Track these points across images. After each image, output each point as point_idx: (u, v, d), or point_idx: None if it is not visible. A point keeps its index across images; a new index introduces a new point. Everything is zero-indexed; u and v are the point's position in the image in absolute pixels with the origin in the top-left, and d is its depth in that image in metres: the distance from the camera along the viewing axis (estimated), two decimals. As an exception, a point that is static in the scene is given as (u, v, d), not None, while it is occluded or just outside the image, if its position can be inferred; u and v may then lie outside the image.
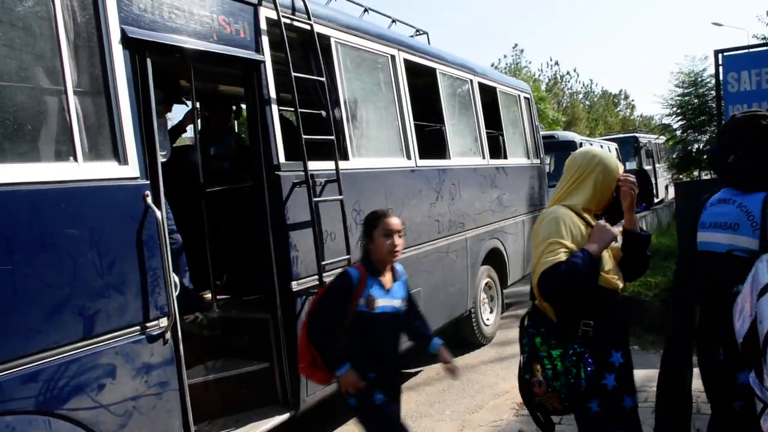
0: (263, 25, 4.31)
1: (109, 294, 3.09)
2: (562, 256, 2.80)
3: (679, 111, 15.13)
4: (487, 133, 7.66)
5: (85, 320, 2.98)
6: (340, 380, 3.41)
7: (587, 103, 48.45)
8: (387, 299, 3.50)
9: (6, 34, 2.90)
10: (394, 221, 3.55)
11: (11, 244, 2.69)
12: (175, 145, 5.50)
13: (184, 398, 3.54)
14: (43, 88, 3.07)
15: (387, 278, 3.58)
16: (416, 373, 6.77)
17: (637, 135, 23.43)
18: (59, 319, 2.87)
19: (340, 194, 4.65)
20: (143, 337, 3.28)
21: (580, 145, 14.56)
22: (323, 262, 4.45)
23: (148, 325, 3.31)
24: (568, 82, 44.82)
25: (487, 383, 6.34)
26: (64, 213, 2.92)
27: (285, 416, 4.33)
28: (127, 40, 3.34)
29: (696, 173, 16.24)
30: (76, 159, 3.05)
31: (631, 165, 21.02)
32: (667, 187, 23.43)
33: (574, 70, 62.57)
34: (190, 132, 5.74)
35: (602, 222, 2.97)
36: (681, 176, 16.43)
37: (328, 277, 4.48)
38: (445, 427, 5.29)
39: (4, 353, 2.65)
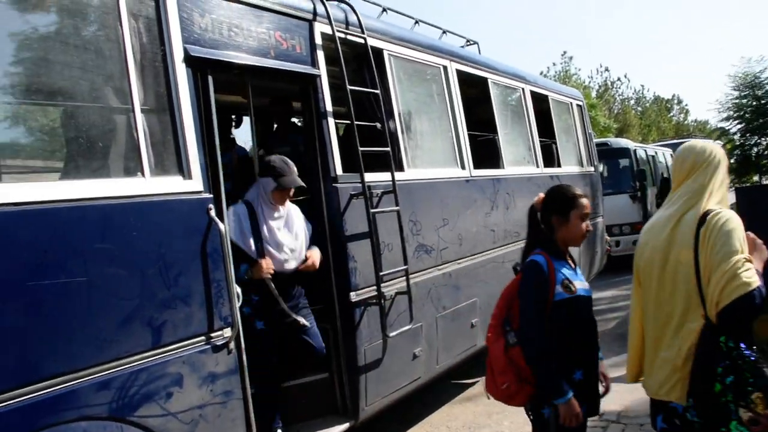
0: (318, 40, 4.39)
1: (175, 305, 3.18)
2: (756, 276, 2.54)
3: (736, 114, 14.70)
4: (540, 141, 7.62)
5: (154, 330, 3.07)
6: (561, 410, 2.96)
7: (639, 109, 47.52)
8: (580, 281, 3.15)
9: (79, 57, 3.04)
10: (588, 202, 3.24)
11: (85, 256, 2.80)
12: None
13: (248, 407, 3.60)
14: (112, 107, 3.19)
15: (569, 260, 3.24)
16: (473, 383, 6.74)
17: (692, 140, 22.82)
18: (130, 329, 2.96)
19: (397, 205, 4.69)
20: (208, 346, 3.36)
21: (634, 152, 14.29)
22: (381, 273, 4.49)
23: (212, 335, 3.39)
24: (619, 88, 44.08)
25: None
26: (133, 226, 3.02)
27: (345, 426, 4.36)
28: (189, 59, 3.44)
29: (756, 178, 15.75)
30: (143, 174, 3.16)
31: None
32: (725, 193, 22.70)
33: (625, 76, 61.36)
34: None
35: (752, 234, 2.76)
36: (740, 181, 15.96)
37: (386, 288, 4.54)
38: (504, 437, 5.26)
39: (80, 362, 2.75)
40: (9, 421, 2.49)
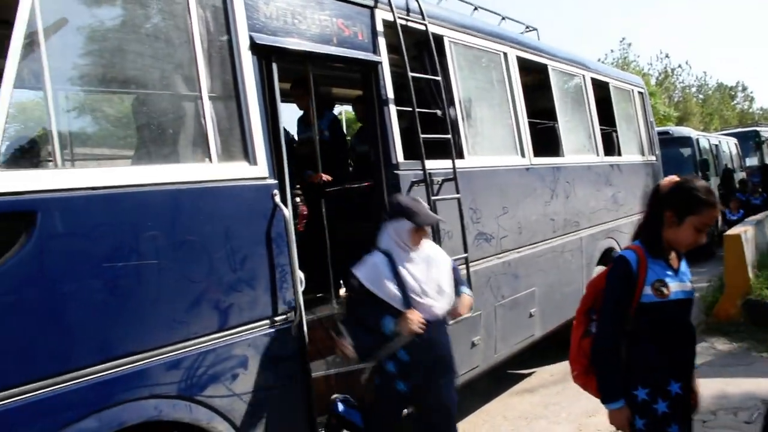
0: (380, 27, 4.39)
1: (241, 289, 3.25)
2: None
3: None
4: (600, 129, 7.48)
5: (221, 313, 3.14)
6: (610, 415, 2.92)
7: (701, 96, 46.19)
8: (680, 282, 2.86)
9: (150, 46, 3.12)
10: (717, 213, 2.84)
11: (156, 240, 2.88)
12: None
13: (309, 391, 3.65)
14: (181, 94, 3.27)
15: (673, 256, 2.92)
16: (530, 373, 6.70)
17: (758, 129, 22.11)
18: (198, 311, 3.04)
19: (458, 193, 4.67)
20: (272, 330, 3.42)
21: (696, 141, 13.92)
22: (441, 260, 4.46)
23: (276, 319, 3.44)
24: (680, 75, 42.92)
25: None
26: (201, 211, 3.09)
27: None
28: (255, 47, 3.49)
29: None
30: (211, 160, 3.22)
31: (752, 161, 19.91)
32: (794, 184, 21.98)
33: (686, 63, 59.78)
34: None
35: None
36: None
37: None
38: (561, 429, 5.21)
39: (151, 342, 2.84)
40: (87, 395, 2.59)
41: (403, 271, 3.51)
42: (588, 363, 3.00)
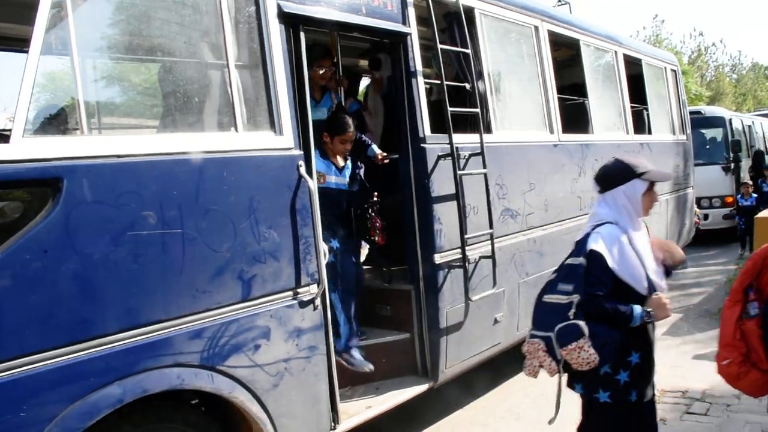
0: (409, -2, 4.32)
1: (265, 260, 3.24)
2: None
3: None
4: (631, 107, 7.33)
5: (244, 283, 3.14)
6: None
7: (734, 76, 45.20)
8: None
9: (177, 13, 3.08)
10: None
11: (181, 209, 2.87)
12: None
13: (331, 363, 3.66)
14: (208, 62, 3.24)
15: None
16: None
17: (794, 110, 21.61)
18: (221, 281, 3.04)
19: (484, 168, 4.61)
20: (295, 302, 3.41)
21: (729, 121, 13.61)
22: (466, 236, 4.44)
23: (299, 290, 3.44)
24: (713, 54, 41.96)
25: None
26: (225, 181, 3.07)
27: (424, 387, 4.39)
28: (282, 15, 3.45)
29: None
30: (236, 129, 3.20)
31: (787, 143, 19.48)
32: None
33: (721, 41, 58.43)
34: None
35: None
36: None
37: (471, 252, 4.50)
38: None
39: (175, 310, 2.85)
40: (111, 362, 2.61)
41: (637, 246, 2.92)
42: (747, 350, 2.74)
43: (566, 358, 2.74)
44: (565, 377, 2.96)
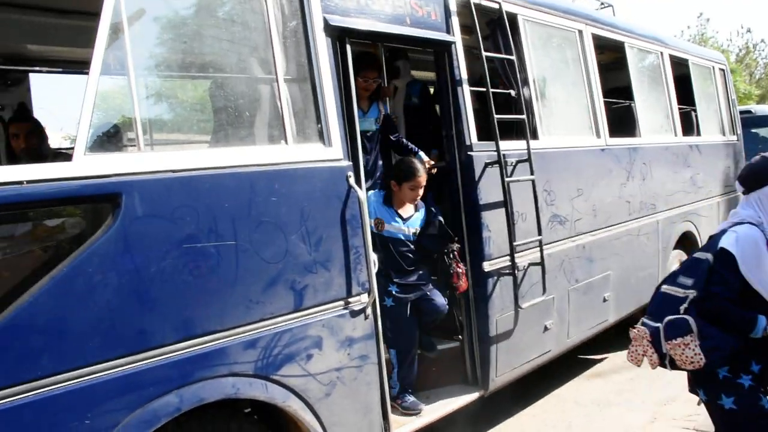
0: (453, 6, 4.34)
1: (316, 270, 3.28)
2: None
3: None
4: (678, 108, 7.21)
5: (296, 294, 3.18)
6: None
7: (785, 73, 43.99)
8: None
9: (227, 30, 3.16)
10: None
11: (234, 221, 2.93)
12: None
13: (382, 372, 3.67)
14: (257, 77, 3.31)
15: None
16: (602, 359, 6.57)
17: None
18: (274, 291, 3.08)
19: (532, 174, 4.59)
20: (346, 311, 3.44)
21: (781, 120, 13.26)
22: (515, 243, 4.43)
23: (350, 300, 3.47)
24: (763, 50, 40.90)
25: (677, 375, 5.98)
26: (277, 193, 3.12)
27: (474, 395, 4.37)
28: (329, 28, 3.49)
29: None
30: (286, 142, 3.25)
31: (841, 141, 18.88)
32: None
33: (770, 38, 56.80)
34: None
35: None
36: None
37: (520, 259, 4.48)
38: (636, 417, 5.08)
39: (229, 321, 2.90)
40: (168, 372, 2.67)
41: None
42: None
43: (670, 352, 2.69)
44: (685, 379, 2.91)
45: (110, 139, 3.21)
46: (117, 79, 3.27)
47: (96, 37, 2.56)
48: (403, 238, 4.20)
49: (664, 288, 2.86)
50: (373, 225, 3.93)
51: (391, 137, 4.66)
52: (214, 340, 2.83)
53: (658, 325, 2.74)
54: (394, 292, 4.15)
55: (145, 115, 3.53)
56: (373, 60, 4.58)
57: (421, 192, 4.15)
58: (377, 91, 4.53)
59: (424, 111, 5.62)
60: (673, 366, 2.78)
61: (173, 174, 2.76)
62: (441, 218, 4.31)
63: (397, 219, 4.18)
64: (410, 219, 4.23)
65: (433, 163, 4.52)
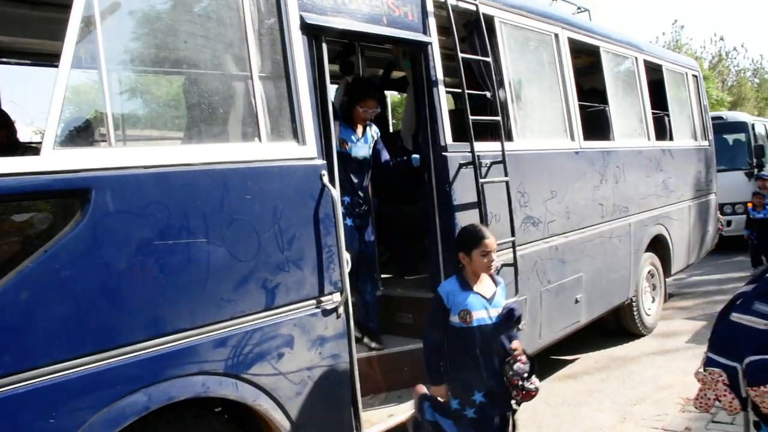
0: (430, 7, 4.34)
1: (289, 268, 3.26)
2: None
3: None
4: (652, 113, 7.31)
5: (268, 292, 3.17)
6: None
7: (756, 81, 44.67)
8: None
9: (202, 26, 3.13)
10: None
11: (206, 219, 2.90)
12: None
13: (353, 372, 3.67)
14: (232, 74, 3.28)
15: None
16: (574, 360, 6.63)
17: (817, 115, 21.34)
18: (245, 290, 3.06)
19: (506, 175, 4.61)
20: (318, 310, 3.43)
21: (752, 126, 13.48)
22: (488, 244, 4.42)
23: (322, 299, 3.46)
24: (735, 58, 41.48)
25: (648, 375, 6.07)
26: (250, 190, 3.10)
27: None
28: (305, 26, 3.48)
29: None
30: (260, 140, 3.24)
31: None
32: None
33: (742, 46, 57.76)
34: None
35: None
36: None
37: (492, 259, 4.49)
38: (606, 417, 5.13)
39: (200, 319, 2.88)
40: (137, 370, 2.64)
41: None
42: None
43: (755, 399, 2.29)
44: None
45: (80, 133, 3.17)
46: (89, 73, 3.23)
47: (67, 30, 2.52)
48: (491, 323, 3.45)
49: (736, 317, 2.44)
50: (458, 320, 3.38)
51: (383, 160, 4.71)
52: (184, 338, 2.81)
53: (736, 365, 2.35)
54: (477, 402, 3.41)
55: (116, 110, 3.50)
56: (375, 91, 4.59)
57: (494, 258, 3.47)
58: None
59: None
60: (758, 413, 2.38)
61: (145, 170, 2.73)
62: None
63: (485, 303, 3.45)
64: (494, 298, 3.50)
65: None
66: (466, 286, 3.45)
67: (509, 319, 3.44)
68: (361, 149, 4.50)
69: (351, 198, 4.43)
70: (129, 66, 3.25)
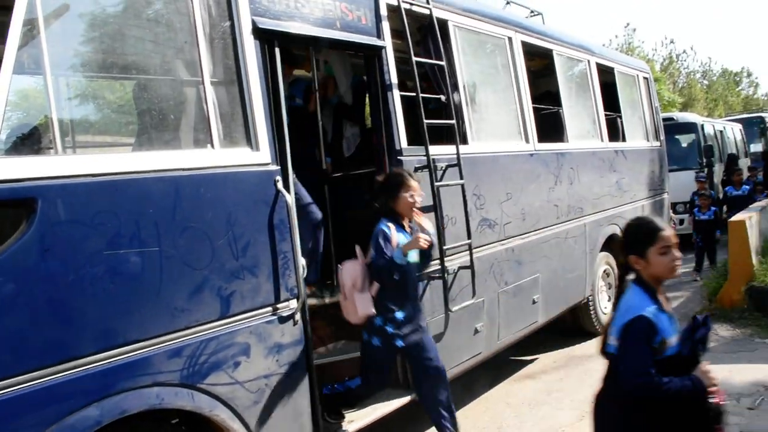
0: (383, 11, 4.35)
1: (243, 275, 3.23)
2: None
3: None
4: (605, 115, 7.43)
5: (223, 300, 3.12)
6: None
7: (705, 82, 45.85)
8: None
9: (152, 31, 3.08)
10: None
11: (158, 226, 2.85)
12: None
13: (312, 378, 3.64)
14: (182, 79, 3.23)
15: None
16: (533, 360, 6.69)
17: (763, 115, 22.02)
18: (200, 298, 3.02)
19: (461, 179, 4.64)
20: (275, 317, 3.40)
21: (701, 127, 13.84)
22: (445, 247, 4.47)
23: (279, 306, 3.43)
24: (685, 61, 42.57)
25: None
26: (203, 198, 3.06)
27: (406, 399, 4.38)
28: (257, 31, 3.45)
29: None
30: (213, 146, 3.19)
31: (757, 147, 19.81)
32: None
33: (691, 48, 59.26)
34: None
35: None
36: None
37: (449, 262, 4.52)
38: (565, 415, 5.19)
39: (153, 330, 2.82)
40: (89, 384, 2.57)
41: None
42: None
43: None
44: None
45: (26, 141, 3.08)
46: (37, 78, 3.15)
47: (8, 33, 2.45)
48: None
49: None
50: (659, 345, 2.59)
51: None
52: (137, 350, 2.75)
53: None
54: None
55: (64, 117, 3.42)
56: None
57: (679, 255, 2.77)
58: None
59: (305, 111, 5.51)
60: None
61: (94, 178, 2.67)
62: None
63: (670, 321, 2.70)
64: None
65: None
66: (654, 297, 2.69)
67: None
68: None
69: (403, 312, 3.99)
70: (77, 71, 3.19)
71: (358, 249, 3.92)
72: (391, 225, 3.87)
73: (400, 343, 3.91)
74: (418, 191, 3.91)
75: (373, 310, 3.87)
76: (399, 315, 3.90)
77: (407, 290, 3.97)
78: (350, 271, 3.88)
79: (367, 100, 5.76)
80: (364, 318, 3.89)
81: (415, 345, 3.99)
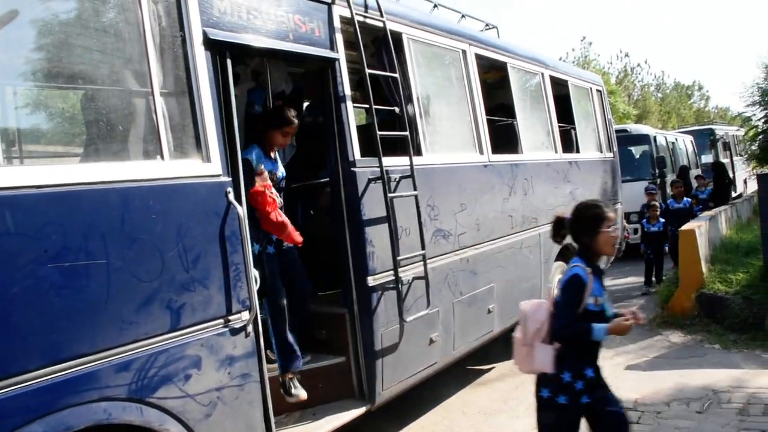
0: (337, 24, 4.37)
1: (194, 288, 3.20)
2: None
3: (761, 100, 14.41)
4: (559, 126, 7.55)
5: (173, 313, 3.09)
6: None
7: (659, 95, 46.95)
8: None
9: (99, 41, 3.05)
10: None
11: (105, 239, 2.81)
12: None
13: (265, 390, 3.62)
14: (131, 90, 3.20)
15: None
16: (489, 369, 6.74)
17: (713, 127, 22.64)
18: (149, 311, 2.98)
19: (415, 190, 4.67)
20: (226, 329, 3.38)
21: (654, 138, 14.16)
22: (398, 258, 4.48)
23: (230, 318, 3.40)
24: (639, 74, 43.54)
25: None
26: (152, 209, 3.03)
27: (361, 410, 4.38)
28: (208, 42, 3.43)
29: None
30: (162, 157, 3.16)
31: (708, 158, 20.33)
32: (746, 181, 22.53)
33: (645, 62, 60.56)
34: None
35: None
36: (762, 168, 15.72)
37: (404, 273, 4.54)
38: (521, 423, 5.24)
39: (100, 343, 2.78)
40: (31, 400, 2.51)
41: None
42: None
43: None
44: None
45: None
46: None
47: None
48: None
49: None
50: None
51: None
52: (83, 364, 2.70)
53: None
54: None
55: (8, 126, 3.36)
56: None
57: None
58: None
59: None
60: None
61: (39, 189, 2.62)
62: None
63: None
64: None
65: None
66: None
67: None
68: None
69: None
70: (23, 80, 3.13)
71: (548, 289, 3.67)
72: (588, 270, 3.29)
73: (585, 399, 3.32)
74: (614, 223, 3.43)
75: (552, 369, 3.31)
76: (589, 372, 3.34)
77: (597, 348, 3.42)
78: (537, 315, 3.39)
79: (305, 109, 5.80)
80: (538, 371, 3.41)
81: (601, 400, 3.39)
